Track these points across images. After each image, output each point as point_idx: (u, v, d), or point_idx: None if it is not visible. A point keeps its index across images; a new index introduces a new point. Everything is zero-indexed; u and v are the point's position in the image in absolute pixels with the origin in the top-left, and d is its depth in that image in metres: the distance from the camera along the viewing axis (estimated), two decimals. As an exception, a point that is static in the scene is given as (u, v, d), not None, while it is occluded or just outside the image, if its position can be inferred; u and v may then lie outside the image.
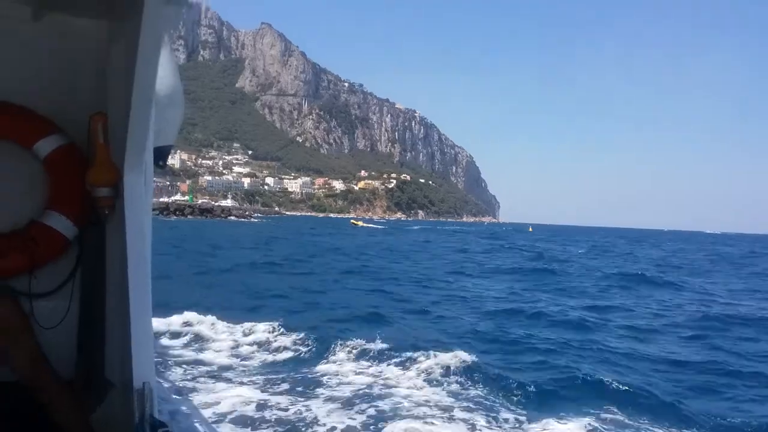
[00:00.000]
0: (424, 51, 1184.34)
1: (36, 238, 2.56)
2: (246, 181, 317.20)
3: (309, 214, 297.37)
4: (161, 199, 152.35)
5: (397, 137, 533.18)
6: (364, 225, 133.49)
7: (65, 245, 2.65)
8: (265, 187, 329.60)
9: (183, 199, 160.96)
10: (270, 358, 11.74)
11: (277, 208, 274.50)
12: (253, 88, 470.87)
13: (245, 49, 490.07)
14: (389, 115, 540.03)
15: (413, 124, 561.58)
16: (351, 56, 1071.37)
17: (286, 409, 8.64)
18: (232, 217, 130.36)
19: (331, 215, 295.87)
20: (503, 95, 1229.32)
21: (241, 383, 9.75)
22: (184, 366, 10.62)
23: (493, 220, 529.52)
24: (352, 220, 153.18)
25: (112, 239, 2.50)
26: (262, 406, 8.69)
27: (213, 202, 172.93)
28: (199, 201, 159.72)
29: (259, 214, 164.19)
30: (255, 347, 12.28)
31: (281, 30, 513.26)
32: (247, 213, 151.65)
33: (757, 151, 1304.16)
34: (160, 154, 2.92)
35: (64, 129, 2.65)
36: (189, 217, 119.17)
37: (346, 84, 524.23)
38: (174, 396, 5.14)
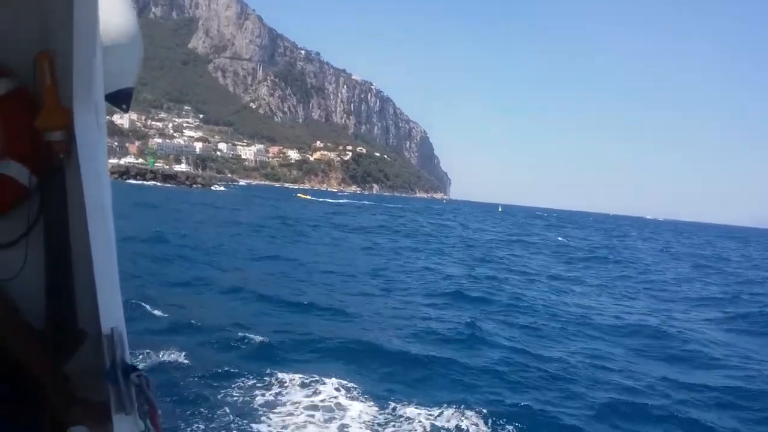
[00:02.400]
0: (382, 21, 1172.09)
1: None
2: (198, 145, 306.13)
3: (264, 182, 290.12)
4: (116, 161, 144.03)
5: (352, 109, 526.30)
6: (312, 198, 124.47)
7: (23, 193, 2.53)
8: (218, 153, 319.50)
9: (137, 162, 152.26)
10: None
11: (229, 175, 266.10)
12: (206, 49, 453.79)
13: (199, 9, 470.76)
14: (345, 86, 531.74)
15: (369, 97, 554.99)
16: (308, 22, 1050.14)
17: None
18: (197, 186, 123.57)
19: (287, 185, 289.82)
20: (457, 68, 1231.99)
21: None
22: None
23: (445, 196, 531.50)
24: (299, 194, 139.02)
25: (72, 185, 2.43)
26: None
27: (165, 166, 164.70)
28: (172, 166, 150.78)
29: (221, 183, 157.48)
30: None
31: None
32: (213, 182, 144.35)
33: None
34: (123, 97, 2.79)
35: (10, 71, 2.50)
36: (151, 183, 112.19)
37: (303, 52, 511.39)
38: None
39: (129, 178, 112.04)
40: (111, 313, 1.59)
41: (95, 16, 1.92)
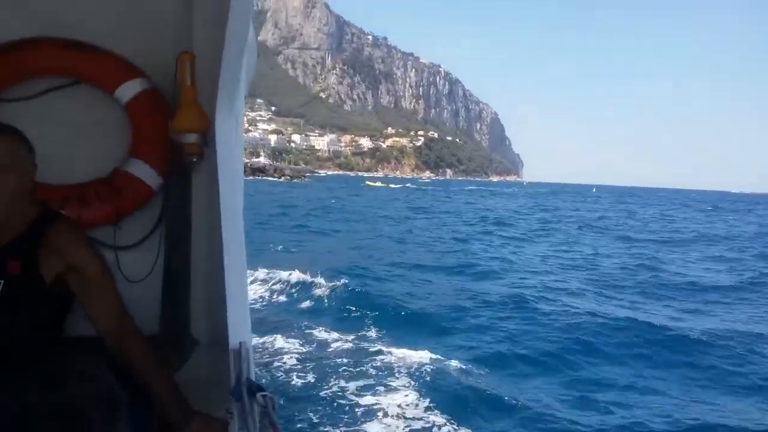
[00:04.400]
0: (450, 4, 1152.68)
1: (120, 187, 2.47)
2: (273, 138, 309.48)
3: (338, 172, 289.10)
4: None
5: (421, 93, 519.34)
6: (382, 185, 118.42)
7: (150, 195, 2.53)
8: (292, 144, 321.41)
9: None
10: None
11: (303, 166, 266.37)
12: (275, 41, 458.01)
13: (267, 1, 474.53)
14: (413, 70, 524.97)
15: (438, 80, 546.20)
16: (374, 7, 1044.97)
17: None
18: (285, 178, 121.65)
19: (361, 174, 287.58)
20: (527, 49, 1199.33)
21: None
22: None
23: (518, 179, 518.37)
24: (367, 182, 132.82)
25: (199, 190, 2.41)
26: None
27: (245, 159, 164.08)
28: (255, 159, 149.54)
29: (309, 174, 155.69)
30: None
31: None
32: (300, 173, 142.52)
33: None
34: None
35: (148, 73, 2.53)
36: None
37: (370, 37, 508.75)
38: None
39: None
40: (240, 326, 1.55)
41: (248, 15, 1.88)
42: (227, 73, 1.95)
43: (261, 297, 12.81)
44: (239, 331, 1.53)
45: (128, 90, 2.48)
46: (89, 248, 1.92)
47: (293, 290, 13.44)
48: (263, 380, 7.93)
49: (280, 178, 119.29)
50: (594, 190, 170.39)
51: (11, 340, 1.76)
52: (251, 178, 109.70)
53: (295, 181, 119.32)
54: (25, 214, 1.84)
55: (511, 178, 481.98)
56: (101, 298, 1.87)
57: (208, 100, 2.14)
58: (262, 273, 14.21)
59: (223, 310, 1.70)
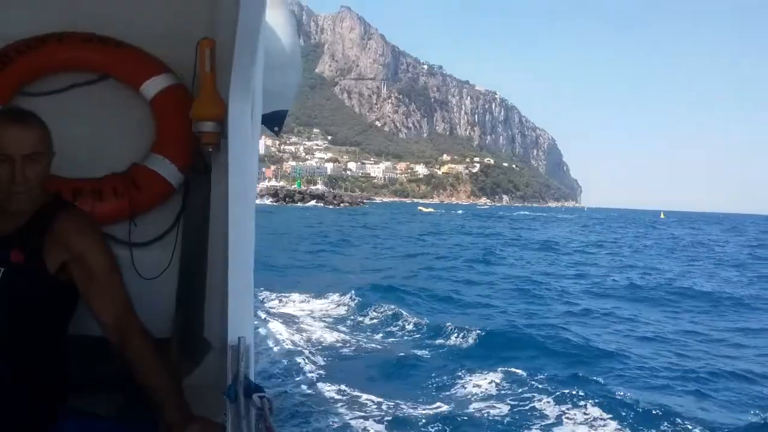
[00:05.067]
0: (504, 31, 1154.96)
1: (138, 182, 2.40)
2: (329, 166, 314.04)
3: (394, 199, 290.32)
4: (268, 184, 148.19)
5: (476, 120, 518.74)
6: (433, 211, 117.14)
7: (169, 191, 2.47)
8: (348, 172, 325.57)
9: (278, 184, 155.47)
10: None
11: (359, 193, 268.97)
12: (332, 72, 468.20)
13: (324, 34, 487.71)
14: (469, 98, 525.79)
15: (493, 106, 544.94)
16: (430, 36, 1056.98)
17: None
18: (344, 204, 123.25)
19: (416, 200, 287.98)
20: (585, 69, 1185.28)
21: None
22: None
23: (576, 204, 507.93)
24: (420, 207, 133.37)
25: (218, 186, 2.32)
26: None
27: (311, 187, 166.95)
28: (312, 187, 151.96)
29: (366, 201, 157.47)
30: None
31: (361, 13, 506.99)
32: (358, 200, 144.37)
33: None
34: (277, 119, 2.75)
35: (172, 69, 2.50)
36: (299, 204, 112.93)
37: (425, 66, 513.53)
38: None
39: (278, 201, 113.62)
40: (240, 322, 1.46)
41: (263, 5, 1.86)
42: (240, 57, 1.89)
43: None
44: (238, 326, 1.45)
45: (154, 85, 2.45)
46: (97, 239, 1.85)
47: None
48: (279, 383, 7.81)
49: (338, 205, 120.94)
50: (662, 215, 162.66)
51: (11, 333, 1.70)
52: (311, 204, 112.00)
53: (354, 207, 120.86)
54: (35, 202, 1.78)
55: (569, 204, 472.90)
56: (106, 291, 1.80)
57: (226, 86, 2.10)
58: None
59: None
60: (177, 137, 2.43)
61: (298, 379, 7.94)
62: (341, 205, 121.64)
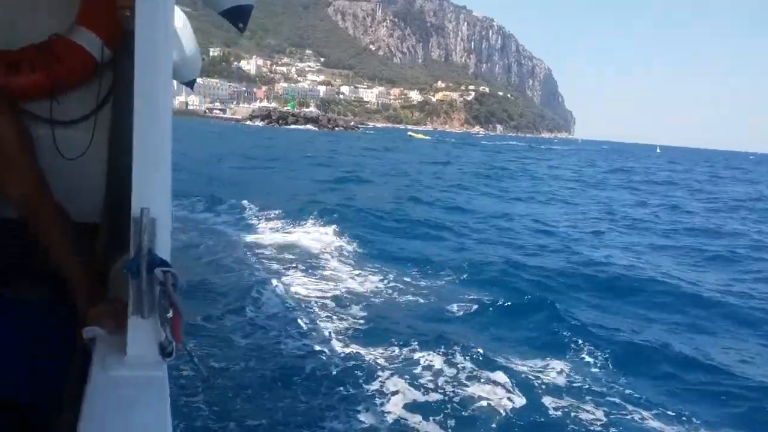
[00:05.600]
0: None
1: (59, 55, 2.20)
2: (321, 89, 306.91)
3: (387, 125, 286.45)
4: (247, 105, 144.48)
5: (473, 47, 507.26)
6: (424, 138, 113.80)
7: (93, 67, 2.27)
8: (341, 96, 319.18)
9: (267, 105, 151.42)
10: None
11: (352, 118, 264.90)
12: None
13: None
14: (465, 24, 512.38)
15: (490, 34, 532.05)
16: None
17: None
18: (339, 128, 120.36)
19: (410, 127, 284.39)
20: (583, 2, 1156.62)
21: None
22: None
23: (569, 136, 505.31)
24: (410, 133, 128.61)
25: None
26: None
27: (304, 109, 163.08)
28: (305, 110, 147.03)
29: (363, 125, 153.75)
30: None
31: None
32: (352, 124, 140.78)
33: None
34: (241, 14, 2.55)
35: None
36: (293, 126, 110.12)
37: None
38: None
39: (272, 123, 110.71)
40: (143, 193, 1.33)
41: None
42: None
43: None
44: (142, 197, 1.32)
45: None
46: (8, 115, 1.73)
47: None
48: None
49: (333, 128, 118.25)
50: (658, 150, 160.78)
51: None
52: (304, 127, 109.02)
53: (350, 131, 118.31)
54: None
55: (562, 135, 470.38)
56: (13, 165, 1.69)
57: None
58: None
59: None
60: (102, 8, 2.23)
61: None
62: (336, 129, 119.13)
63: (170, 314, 1.22)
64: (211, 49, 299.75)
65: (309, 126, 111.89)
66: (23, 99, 2.14)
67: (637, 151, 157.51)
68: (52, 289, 1.64)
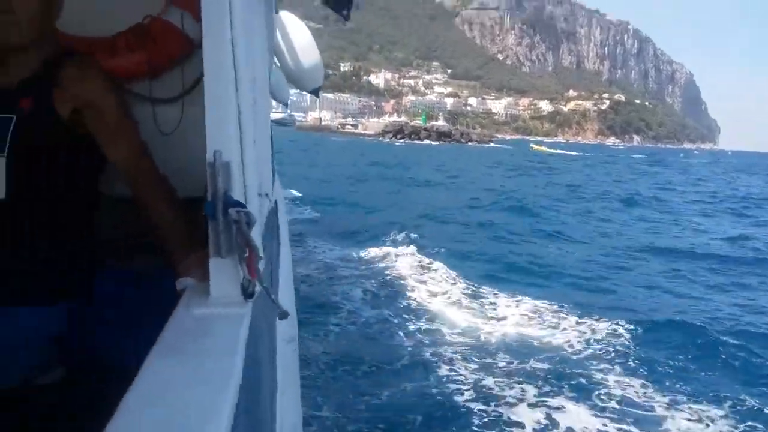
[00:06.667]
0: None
1: (155, 36, 2.27)
2: (449, 101, 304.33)
3: (516, 137, 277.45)
4: (376, 119, 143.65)
5: (606, 53, 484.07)
6: (549, 150, 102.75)
7: (190, 47, 2.30)
8: (468, 107, 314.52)
9: (397, 119, 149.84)
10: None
11: (480, 131, 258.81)
12: (452, 2, 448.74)
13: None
14: (599, 29, 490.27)
15: (625, 38, 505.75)
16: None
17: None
18: (472, 143, 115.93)
19: (540, 138, 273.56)
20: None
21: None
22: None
23: (714, 147, 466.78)
24: (532, 145, 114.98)
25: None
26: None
27: (433, 123, 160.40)
28: (435, 123, 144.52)
29: (496, 138, 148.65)
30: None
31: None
32: (485, 137, 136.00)
33: None
34: (344, 1, 2.58)
35: None
36: (426, 141, 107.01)
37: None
38: None
39: (404, 138, 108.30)
40: (216, 136, 1.32)
41: None
42: None
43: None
44: (215, 141, 1.32)
45: None
46: (106, 85, 1.79)
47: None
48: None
49: (467, 142, 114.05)
50: None
51: (28, 184, 1.67)
52: (437, 143, 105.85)
53: (483, 145, 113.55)
54: (41, 51, 1.73)
55: (705, 146, 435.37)
56: (119, 135, 1.78)
57: None
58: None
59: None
60: None
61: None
62: (469, 143, 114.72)
63: (246, 254, 1.24)
64: (342, 64, 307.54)
65: (432, 141, 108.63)
66: (126, 81, 2.17)
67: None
68: (165, 262, 1.69)
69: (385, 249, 12.06)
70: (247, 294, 1.24)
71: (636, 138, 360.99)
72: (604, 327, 7.97)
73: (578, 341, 7.52)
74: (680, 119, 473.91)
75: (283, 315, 1.37)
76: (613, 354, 7.11)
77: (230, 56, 1.37)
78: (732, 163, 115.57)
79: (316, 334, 7.05)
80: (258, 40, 1.79)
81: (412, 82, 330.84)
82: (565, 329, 7.96)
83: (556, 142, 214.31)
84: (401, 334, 7.40)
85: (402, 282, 9.81)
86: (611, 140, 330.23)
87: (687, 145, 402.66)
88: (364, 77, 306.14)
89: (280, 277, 3.59)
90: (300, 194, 19.31)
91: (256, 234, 1.31)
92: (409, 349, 6.89)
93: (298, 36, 5.80)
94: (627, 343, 7.46)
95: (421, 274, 10.33)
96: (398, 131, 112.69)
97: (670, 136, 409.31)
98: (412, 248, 12.04)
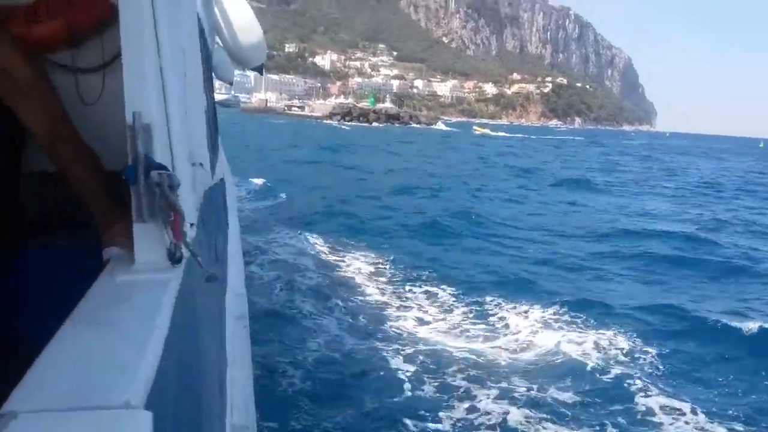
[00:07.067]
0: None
1: (74, 1, 2.11)
2: (395, 83, 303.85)
3: (462, 119, 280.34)
4: (322, 101, 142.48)
5: (548, 38, 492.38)
6: (491, 133, 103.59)
7: (111, 11, 1.94)
8: (414, 90, 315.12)
9: (344, 101, 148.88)
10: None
11: (427, 113, 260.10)
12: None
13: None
14: (541, 14, 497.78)
15: (567, 23, 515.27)
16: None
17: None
18: (418, 125, 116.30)
19: (485, 121, 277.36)
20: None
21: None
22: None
23: (651, 128, 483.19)
24: (475, 127, 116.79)
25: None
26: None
27: (380, 105, 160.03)
28: (383, 105, 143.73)
29: (446, 120, 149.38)
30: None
31: None
32: (433, 120, 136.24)
33: None
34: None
35: None
36: (375, 124, 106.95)
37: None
38: None
39: (352, 120, 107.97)
40: (135, 98, 1.27)
41: None
42: None
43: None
44: (134, 102, 1.27)
45: None
46: (18, 52, 1.72)
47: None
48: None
49: (416, 124, 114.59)
50: (761, 146, 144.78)
51: None
52: (385, 124, 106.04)
53: (432, 127, 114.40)
54: None
55: (643, 128, 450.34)
56: (36, 101, 1.70)
57: None
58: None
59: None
60: None
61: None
62: (419, 125, 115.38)
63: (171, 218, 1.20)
64: (287, 45, 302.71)
65: (380, 123, 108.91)
66: (48, 50, 2.07)
67: (736, 145, 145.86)
68: (89, 239, 1.60)
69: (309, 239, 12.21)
70: (175, 259, 1.20)
71: (577, 120, 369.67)
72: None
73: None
74: (619, 102, 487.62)
75: (211, 278, 1.34)
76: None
77: (150, 20, 1.31)
78: (671, 144, 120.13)
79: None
80: (186, 10, 1.74)
81: (358, 64, 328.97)
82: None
83: (500, 124, 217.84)
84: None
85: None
86: (554, 122, 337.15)
87: (626, 127, 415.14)
88: (310, 59, 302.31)
89: (229, 254, 3.56)
90: (263, 180, 19.35)
91: (187, 198, 1.27)
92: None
93: (238, 12, 5.86)
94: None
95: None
96: (347, 113, 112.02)
97: (610, 118, 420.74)
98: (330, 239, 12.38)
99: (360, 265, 10.52)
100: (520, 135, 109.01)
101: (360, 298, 8.73)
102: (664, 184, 30.85)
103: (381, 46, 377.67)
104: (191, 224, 1.36)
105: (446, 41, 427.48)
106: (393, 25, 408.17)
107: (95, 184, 1.67)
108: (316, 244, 11.79)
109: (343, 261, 10.73)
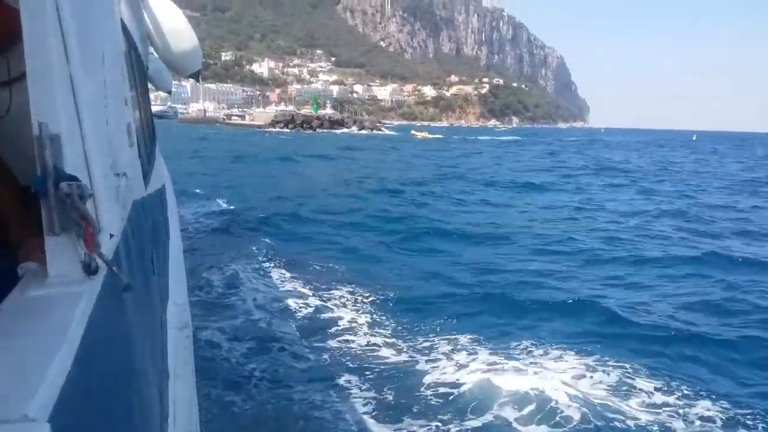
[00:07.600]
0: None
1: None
2: (334, 89, 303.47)
3: (402, 122, 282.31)
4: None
5: (483, 39, 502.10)
6: (430, 136, 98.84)
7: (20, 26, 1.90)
8: (354, 95, 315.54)
9: (285, 109, 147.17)
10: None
11: (368, 117, 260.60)
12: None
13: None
14: (476, 15, 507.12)
15: (501, 25, 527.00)
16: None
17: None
18: (364, 131, 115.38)
19: (425, 123, 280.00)
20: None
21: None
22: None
23: (585, 125, 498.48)
24: (413, 131, 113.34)
25: None
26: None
27: (321, 111, 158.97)
28: (325, 111, 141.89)
29: (388, 124, 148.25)
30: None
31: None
32: (377, 124, 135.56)
33: None
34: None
35: None
36: (319, 130, 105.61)
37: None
38: None
39: (295, 127, 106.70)
40: (41, 108, 1.21)
41: None
42: None
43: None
44: (40, 112, 1.20)
45: None
46: None
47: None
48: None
49: (360, 130, 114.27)
50: (694, 138, 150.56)
51: None
52: (328, 131, 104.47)
53: (376, 132, 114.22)
54: None
55: (578, 125, 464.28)
56: None
57: None
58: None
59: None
60: None
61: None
62: (363, 130, 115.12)
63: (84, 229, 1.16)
64: (223, 53, 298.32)
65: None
66: None
67: (671, 139, 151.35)
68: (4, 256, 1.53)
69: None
70: (90, 270, 1.17)
71: (515, 119, 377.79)
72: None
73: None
74: (554, 100, 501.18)
75: (128, 288, 1.30)
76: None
77: (55, 25, 1.25)
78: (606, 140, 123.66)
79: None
80: (101, 12, 1.69)
81: (296, 70, 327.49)
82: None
83: (439, 127, 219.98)
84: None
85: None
86: (492, 122, 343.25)
87: (561, 125, 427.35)
88: (247, 66, 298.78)
89: (170, 262, 3.54)
90: (230, 207, 17.72)
91: (109, 209, 1.25)
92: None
93: (170, 18, 5.77)
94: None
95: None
96: (289, 121, 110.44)
97: (546, 116, 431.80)
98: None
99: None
100: (456, 137, 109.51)
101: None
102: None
103: (319, 51, 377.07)
104: (111, 235, 1.34)
105: (384, 45, 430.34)
106: (330, 31, 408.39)
107: (8, 198, 1.61)
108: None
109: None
